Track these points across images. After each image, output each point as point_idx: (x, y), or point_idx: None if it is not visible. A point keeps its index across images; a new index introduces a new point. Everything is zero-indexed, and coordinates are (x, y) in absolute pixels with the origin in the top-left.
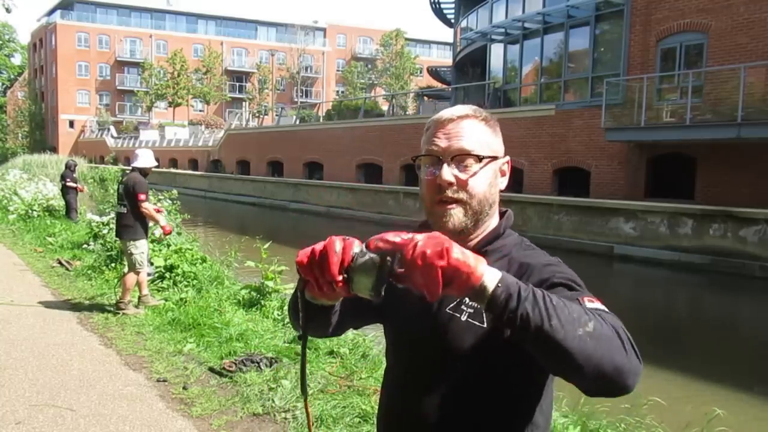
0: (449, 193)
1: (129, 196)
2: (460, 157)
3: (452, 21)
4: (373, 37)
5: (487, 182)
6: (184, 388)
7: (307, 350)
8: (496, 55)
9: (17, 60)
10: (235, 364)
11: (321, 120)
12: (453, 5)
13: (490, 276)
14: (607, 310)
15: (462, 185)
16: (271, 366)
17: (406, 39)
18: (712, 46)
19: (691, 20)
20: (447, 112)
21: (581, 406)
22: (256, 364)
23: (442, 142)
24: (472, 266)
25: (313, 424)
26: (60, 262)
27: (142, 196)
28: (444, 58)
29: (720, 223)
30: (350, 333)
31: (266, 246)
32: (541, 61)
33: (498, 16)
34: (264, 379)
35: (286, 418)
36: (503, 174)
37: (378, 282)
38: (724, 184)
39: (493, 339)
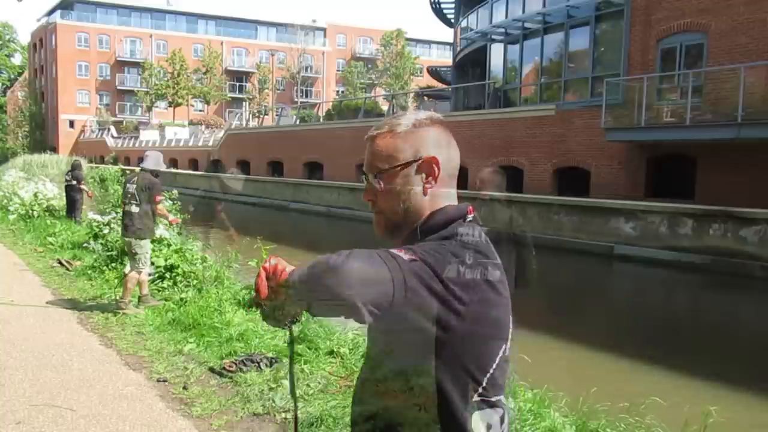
0: (373, 206)
1: (146, 195)
2: (374, 174)
3: (452, 21)
4: (373, 37)
5: (395, 191)
6: (185, 388)
7: (308, 350)
8: (496, 55)
9: (17, 60)
10: (236, 364)
11: (321, 120)
12: (453, 5)
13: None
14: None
15: (376, 199)
16: (271, 366)
17: (407, 39)
18: (712, 46)
19: (691, 20)
20: (368, 132)
21: (580, 405)
22: (257, 364)
23: (364, 163)
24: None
25: (300, 424)
26: (60, 262)
27: (160, 197)
28: (444, 58)
29: (720, 223)
30: (350, 333)
31: (271, 248)
32: (541, 61)
33: (498, 16)
34: (264, 379)
35: (286, 418)
36: (431, 174)
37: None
38: (724, 184)
39: (384, 332)
